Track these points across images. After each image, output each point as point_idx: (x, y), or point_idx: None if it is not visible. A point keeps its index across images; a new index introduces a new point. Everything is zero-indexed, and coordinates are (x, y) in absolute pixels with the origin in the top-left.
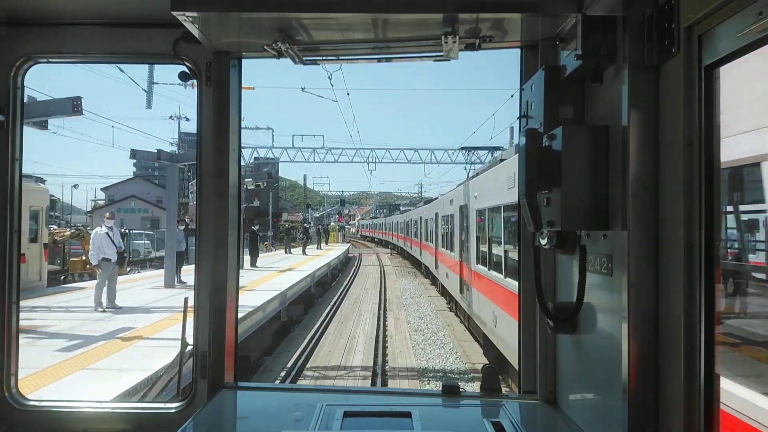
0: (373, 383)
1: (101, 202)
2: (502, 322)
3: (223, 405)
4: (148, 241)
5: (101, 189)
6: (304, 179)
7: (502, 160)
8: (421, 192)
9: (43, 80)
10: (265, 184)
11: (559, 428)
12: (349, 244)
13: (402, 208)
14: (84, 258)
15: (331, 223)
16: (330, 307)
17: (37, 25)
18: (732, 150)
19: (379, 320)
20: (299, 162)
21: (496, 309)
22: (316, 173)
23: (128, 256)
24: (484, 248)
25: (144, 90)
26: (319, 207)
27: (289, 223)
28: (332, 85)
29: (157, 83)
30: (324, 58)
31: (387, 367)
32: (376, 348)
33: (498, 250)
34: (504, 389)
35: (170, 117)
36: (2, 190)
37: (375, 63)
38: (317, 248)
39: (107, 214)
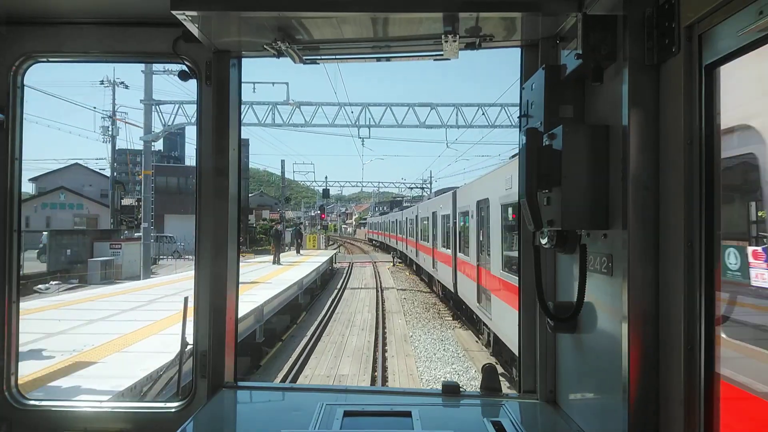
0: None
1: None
2: None
3: (223, 404)
4: None
5: (29, 180)
6: (282, 165)
7: None
8: (430, 185)
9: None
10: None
11: (559, 428)
12: (334, 252)
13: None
14: None
15: (328, 224)
16: None
17: (36, 24)
18: None
19: None
20: (249, 125)
21: None
22: (296, 158)
23: None
24: None
25: None
26: (312, 205)
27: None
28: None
29: None
30: (324, 57)
31: None
32: None
33: None
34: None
35: (101, 82)
36: (2, 189)
37: (374, 62)
38: (274, 262)
39: None
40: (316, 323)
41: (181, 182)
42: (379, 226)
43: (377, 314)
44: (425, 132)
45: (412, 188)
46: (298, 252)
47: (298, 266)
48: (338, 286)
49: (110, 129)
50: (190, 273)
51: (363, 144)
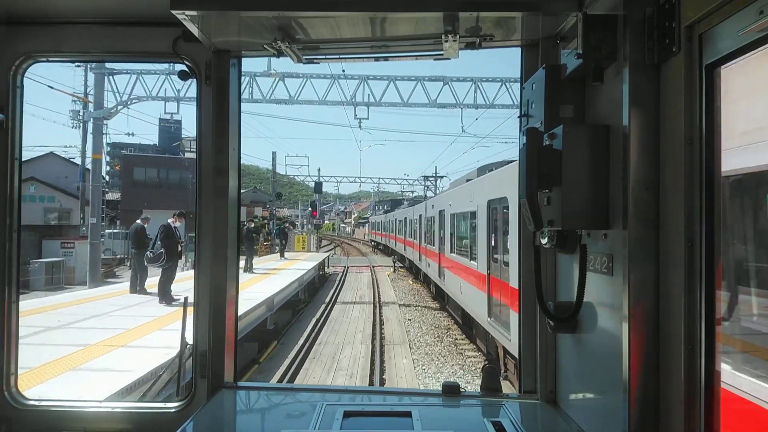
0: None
1: None
2: None
3: (223, 405)
4: None
5: None
6: (273, 157)
7: None
8: (436, 181)
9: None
10: None
11: (560, 428)
12: (327, 255)
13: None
14: None
15: (326, 222)
16: None
17: (36, 23)
18: None
19: None
20: None
21: None
22: (288, 149)
23: None
24: None
25: None
26: (308, 203)
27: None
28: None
29: None
30: (324, 56)
31: None
32: None
33: None
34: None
35: (76, 64)
36: (2, 189)
37: (374, 62)
38: (245, 270)
39: None
40: (286, 364)
41: (161, 174)
42: (383, 226)
43: (373, 347)
44: (434, 119)
45: (424, 179)
46: (281, 256)
47: (277, 275)
48: (326, 300)
49: (81, 113)
50: (152, 281)
51: (360, 126)
